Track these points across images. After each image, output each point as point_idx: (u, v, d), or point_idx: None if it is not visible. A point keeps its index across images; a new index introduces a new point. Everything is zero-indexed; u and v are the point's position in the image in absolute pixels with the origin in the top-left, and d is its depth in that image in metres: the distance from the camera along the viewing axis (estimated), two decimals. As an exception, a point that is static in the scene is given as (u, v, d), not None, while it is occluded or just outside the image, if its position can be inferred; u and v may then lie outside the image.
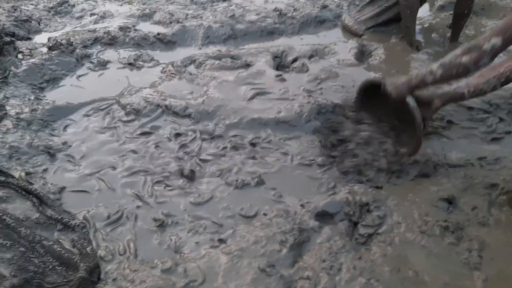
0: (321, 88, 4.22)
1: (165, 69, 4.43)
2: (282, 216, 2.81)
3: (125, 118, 3.67)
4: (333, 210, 2.93)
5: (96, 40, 4.83)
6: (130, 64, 4.50)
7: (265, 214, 2.87)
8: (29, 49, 4.40)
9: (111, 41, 4.85)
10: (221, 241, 2.65)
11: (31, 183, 2.91)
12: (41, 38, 4.87)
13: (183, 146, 3.42)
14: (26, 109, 3.55)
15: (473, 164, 3.25)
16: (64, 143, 3.34)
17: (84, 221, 2.71)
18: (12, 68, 4.05)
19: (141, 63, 4.54)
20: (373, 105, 3.56)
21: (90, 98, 3.88)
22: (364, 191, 3.05)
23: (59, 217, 2.66)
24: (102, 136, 3.46)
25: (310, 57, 4.83)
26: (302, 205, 2.93)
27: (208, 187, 3.07)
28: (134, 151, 3.33)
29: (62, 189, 2.95)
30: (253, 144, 3.48)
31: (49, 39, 4.59)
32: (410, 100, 3.07)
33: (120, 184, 3.04)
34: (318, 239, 2.72)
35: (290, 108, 3.83)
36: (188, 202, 2.94)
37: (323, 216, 2.89)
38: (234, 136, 3.57)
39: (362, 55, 4.97)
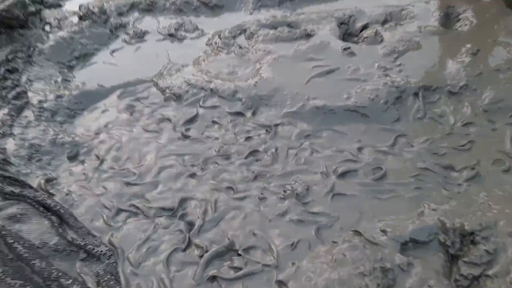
0: (400, 64, 3.42)
1: (210, 41, 3.77)
2: (358, 248, 2.17)
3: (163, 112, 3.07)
4: (424, 238, 2.25)
5: (132, 6, 4.22)
6: (170, 35, 3.87)
7: (334, 242, 2.24)
8: (58, 19, 3.86)
9: (150, 7, 4.22)
10: (281, 284, 2.07)
11: (51, 194, 2.42)
12: (72, 5, 4.30)
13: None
14: (51, 96, 3.05)
15: None
16: (94, 139, 2.82)
17: (111, 247, 2.20)
18: (38, 44, 3.53)
19: (183, 33, 3.90)
20: None
21: (124, 79, 3.32)
22: (463, 212, 2.33)
23: (83, 243, 2.17)
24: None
25: (384, 22, 3.99)
26: (383, 231, 2.28)
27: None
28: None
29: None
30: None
31: (80, 6, 4.01)
32: None
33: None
34: (408, 283, 2.07)
35: (362, 93, 3.10)
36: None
37: (411, 247, 2.23)
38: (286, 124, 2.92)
39: (448, 19, 4.05)
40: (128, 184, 2.53)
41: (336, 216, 2.37)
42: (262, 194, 2.49)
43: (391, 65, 3.41)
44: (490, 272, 2.08)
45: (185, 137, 2.82)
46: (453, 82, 3.23)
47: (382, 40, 3.67)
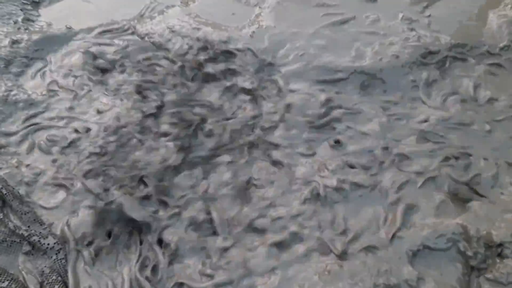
0: (429, 16, 2.83)
1: (204, -24, 3.15)
2: (358, 257, 1.77)
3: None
4: (440, 246, 1.84)
5: None
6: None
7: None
8: None
9: None
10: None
11: (-4, 167, 2.02)
12: None
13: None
14: (6, 41, 2.55)
15: None
16: (52, 95, 2.36)
17: (63, 238, 1.82)
18: (-4, -27, 2.96)
19: (173, -35, 3.26)
20: None
21: (97, 21, 2.78)
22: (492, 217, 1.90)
23: (27, 233, 1.80)
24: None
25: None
26: (388, 235, 1.86)
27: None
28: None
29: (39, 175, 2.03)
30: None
31: None
32: None
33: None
34: (417, 303, 1.69)
35: (379, 51, 2.56)
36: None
37: (425, 256, 1.83)
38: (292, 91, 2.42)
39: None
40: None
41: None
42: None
43: (419, 16, 2.82)
44: (517, 295, 1.69)
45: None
46: (492, 42, 2.67)
47: (410, -16, 3.04)
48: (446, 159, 2.10)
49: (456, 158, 2.10)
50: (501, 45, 2.64)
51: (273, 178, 2.04)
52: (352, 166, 2.08)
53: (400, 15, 2.80)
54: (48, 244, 1.79)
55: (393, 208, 1.94)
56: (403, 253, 1.80)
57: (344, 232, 1.85)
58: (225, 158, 2.11)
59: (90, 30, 2.72)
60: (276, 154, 2.11)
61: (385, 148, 2.14)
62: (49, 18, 2.83)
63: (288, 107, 2.30)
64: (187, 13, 2.83)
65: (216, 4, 2.92)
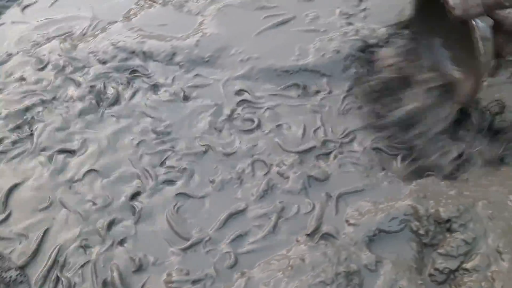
0: (365, 9, 2.95)
1: (143, -11, 3.16)
2: (318, 248, 1.85)
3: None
4: (393, 228, 1.95)
5: None
6: (94, -17, 3.23)
7: (297, 241, 1.91)
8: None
9: None
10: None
11: None
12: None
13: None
14: None
15: None
16: None
17: (22, 272, 1.80)
18: None
19: (110, -20, 3.25)
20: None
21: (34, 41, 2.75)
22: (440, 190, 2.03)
23: (-14, 268, 1.78)
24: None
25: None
26: (348, 222, 1.96)
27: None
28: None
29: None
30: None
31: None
32: (480, 24, 1.79)
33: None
34: (376, 286, 1.78)
35: (321, 48, 2.65)
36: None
37: (380, 239, 1.93)
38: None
39: None
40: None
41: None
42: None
43: (355, 10, 2.93)
44: (468, 265, 1.81)
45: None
46: (426, 28, 2.82)
47: (345, -20, 3.15)
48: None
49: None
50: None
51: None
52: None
53: (337, 11, 2.90)
54: (11, 277, 1.77)
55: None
56: (360, 239, 1.90)
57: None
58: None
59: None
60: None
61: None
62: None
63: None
64: (130, 27, 2.83)
65: (158, 17, 2.94)
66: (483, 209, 1.93)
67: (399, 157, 2.16)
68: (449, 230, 1.93)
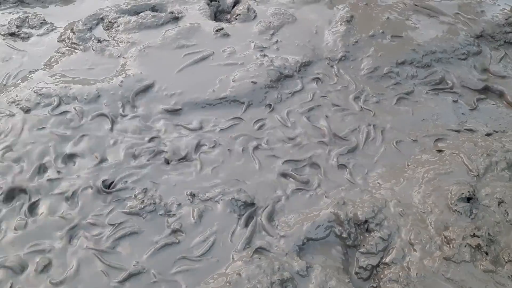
0: (277, 42, 3.23)
1: (63, 37, 3.22)
2: (253, 262, 1.97)
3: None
4: (320, 235, 2.13)
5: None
6: (12, 34, 3.24)
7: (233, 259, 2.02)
8: None
9: (-21, 1, 3.50)
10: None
11: None
12: None
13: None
14: None
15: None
16: None
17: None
18: None
19: (28, 30, 3.29)
20: None
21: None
22: (355, 197, 2.25)
23: None
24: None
25: (255, -5, 3.74)
26: (278, 234, 2.11)
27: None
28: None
29: None
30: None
31: None
32: None
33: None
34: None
35: (240, 79, 2.86)
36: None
37: (309, 246, 2.10)
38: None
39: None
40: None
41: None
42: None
43: (268, 43, 3.20)
44: (387, 260, 2.02)
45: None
46: (331, 55, 3.14)
47: (256, 16, 3.44)
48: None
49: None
50: (339, 56, 3.12)
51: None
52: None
53: (252, 45, 3.15)
54: None
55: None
56: (291, 249, 2.05)
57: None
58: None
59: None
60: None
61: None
62: None
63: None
64: (52, 74, 2.87)
65: (79, 62, 3.00)
66: (394, 208, 2.18)
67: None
68: (367, 230, 2.14)
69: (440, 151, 2.50)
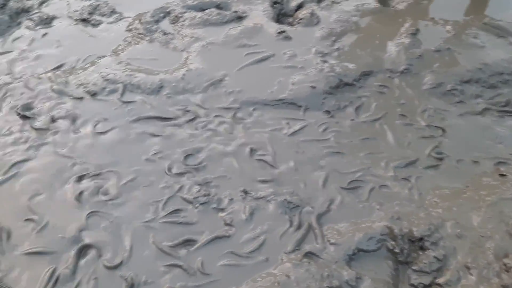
0: (338, 49, 3.21)
1: (131, 27, 3.33)
2: (303, 265, 1.96)
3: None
4: (371, 247, 2.09)
5: (36, -14, 3.63)
6: (83, 20, 3.38)
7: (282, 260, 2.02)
8: None
9: (58, -14, 3.67)
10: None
11: None
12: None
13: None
14: None
15: None
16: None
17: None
18: None
19: (99, 17, 3.42)
20: None
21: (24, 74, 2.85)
22: (411, 213, 2.20)
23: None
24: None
25: (319, 0, 3.72)
26: (329, 241, 2.08)
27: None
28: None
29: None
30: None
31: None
32: None
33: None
34: (357, 301, 1.90)
35: (299, 83, 2.86)
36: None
37: (359, 257, 2.06)
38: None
39: (385, -4, 3.87)
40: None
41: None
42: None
43: (329, 49, 3.19)
44: (441, 281, 1.96)
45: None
46: (393, 67, 3.08)
47: (318, 22, 3.43)
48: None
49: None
50: (401, 68, 3.06)
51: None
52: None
53: (313, 50, 3.15)
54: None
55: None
56: (340, 257, 2.02)
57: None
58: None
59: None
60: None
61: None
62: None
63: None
64: (118, 62, 2.97)
65: (145, 52, 3.10)
66: (451, 229, 2.11)
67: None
68: (421, 248, 2.09)
69: (502, 175, 2.41)
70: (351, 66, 3.03)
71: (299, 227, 2.14)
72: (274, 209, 2.20)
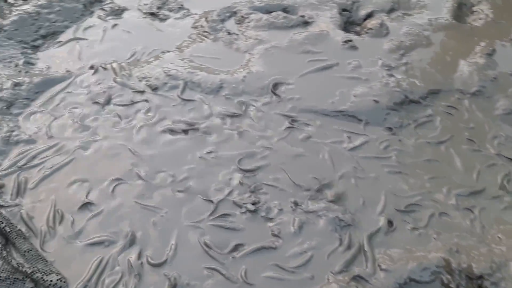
0: (406, 63, 3.06)
1: (196, 24, 3.35)
2: (350, 289, 1.88)
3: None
4: (425, 278, 1.97)
5: (111, -23, 3.74)
6: (152, 14, 3.44)
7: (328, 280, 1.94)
8: (22, -9, 3.40)
9: (131, -21, 3.75)
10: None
11: (0, 206, 2.08)
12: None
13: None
14: (8, 83, 2.65)
15: None
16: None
17: (63, 278, 1.88)
18: (-2, 19, 3.11)
19: (167, 12, 3.47)
20: None
21: (95, 62, 2.93)
22: (471, 247, 2.05)
23: (30, 270, 1.85)
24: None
25: (390, 11, 3.59)
26: (380, 267, 1.98)
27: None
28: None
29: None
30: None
31: (49, -25, 3.54)
32: None
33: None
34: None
35: (362, 95, 2.76)
36: None
37: (409, 287, 1.95)
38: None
39: (460, 11, 3.67)
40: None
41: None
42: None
43: (397, 63, 3.05)
44: (500, 330, 1.82)
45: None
46: (464, 87, 2.91)
47: (387, 33, 3.29)
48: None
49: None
50: (473, 90, 2.88)
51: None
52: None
53: (380, 62, 3.03)
54: (51, 281, 1.84)
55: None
56: (391, 285, 1.92)
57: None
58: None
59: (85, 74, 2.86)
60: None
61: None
62: (48, 62, 2.95)
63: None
64: (181, 58, 2.99)
65: (208, 51, 3.10)
66: (515, 269, 1.95)
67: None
68: (480, 287, 1.94)
69: None
70: (418, 82, 2.89)
71: (349, 247, 2.05)
72: (325, 225, 2.13)
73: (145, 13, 3.44)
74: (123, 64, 2.92)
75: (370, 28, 3.32)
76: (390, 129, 2.61)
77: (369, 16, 3.51)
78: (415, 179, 2.35)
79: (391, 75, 2.92)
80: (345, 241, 2.06)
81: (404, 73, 2.97)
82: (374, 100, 2.73)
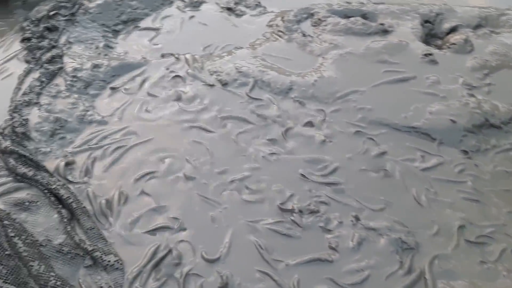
0: (489, 84, 2.87)
1: (272, 23, 3.32)
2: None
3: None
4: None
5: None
6: (229, 9, 3.46)
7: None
8: (110, -25, 3.52)
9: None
10: None
11: (68, 181, 2.16)
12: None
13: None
14: (88, 64, 2.76)
15: None
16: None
17: (120, 260, 1.91)
18: (84, 1, 3.23)
19: (244, 8, 3.48)
20: None
21: (171, 51, 2.99)
22: None
23: (91, 248, 1.90)
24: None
25: (476, 27, 3.39)
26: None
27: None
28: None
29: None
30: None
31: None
32: None
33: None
34: None
35: (438, 113, 2.61)
36: None
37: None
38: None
39: (555, 33, 3.39)
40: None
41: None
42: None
43: (479, 83, 2.87)
44: None
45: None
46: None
47: (472, 50, 3.11)
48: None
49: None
50: None
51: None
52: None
53: (461, 80, 2.86)
54: (109, 261, 1.88)
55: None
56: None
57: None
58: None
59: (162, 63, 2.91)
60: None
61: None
62: (126, 47, 3.04)
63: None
64: (254, 56, 2.98)
65: (281, 50, 3.07)
66: None
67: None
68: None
69: None
70: (501, 106, 2.70)
71: (409, 271, 1.94)
72: (385, 245, 2.03)
73: (222, 7, 3.47)
74: (196, 56, 2.94)
75: (453, 43, 3.14)
76: (466, 152, 2.45)
77: (453, 30, 3.33)
78: (490, 209, 2.19)
79: (472, 95, 2.74)
80: (405, 265, 1.95)
81: (486, 95, 2.79)
82: (451, 120, 2.57)
